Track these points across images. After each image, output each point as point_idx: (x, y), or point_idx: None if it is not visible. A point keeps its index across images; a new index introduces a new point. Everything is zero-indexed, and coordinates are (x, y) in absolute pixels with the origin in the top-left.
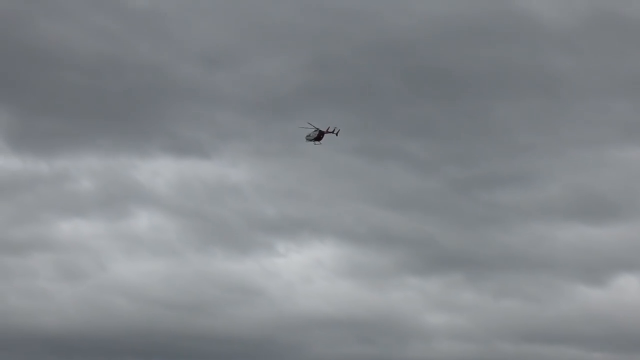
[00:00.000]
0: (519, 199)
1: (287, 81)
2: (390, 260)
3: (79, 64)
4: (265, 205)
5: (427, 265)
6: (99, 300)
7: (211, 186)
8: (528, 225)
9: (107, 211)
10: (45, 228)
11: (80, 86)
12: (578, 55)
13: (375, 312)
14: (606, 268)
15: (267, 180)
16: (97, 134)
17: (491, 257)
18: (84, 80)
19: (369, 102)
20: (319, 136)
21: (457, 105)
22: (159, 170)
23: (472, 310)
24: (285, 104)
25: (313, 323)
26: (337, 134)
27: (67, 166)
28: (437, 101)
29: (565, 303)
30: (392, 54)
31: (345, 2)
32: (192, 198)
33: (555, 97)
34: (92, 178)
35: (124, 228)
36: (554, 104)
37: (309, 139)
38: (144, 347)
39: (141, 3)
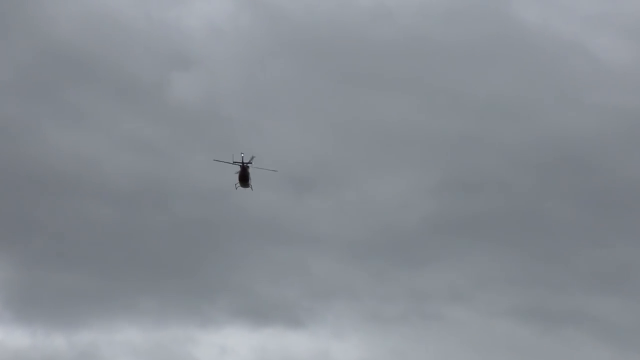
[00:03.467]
0: None
1: (410, 211)
2: None
3: (108, 192)
4: None
5: None
6: None
7: None
8: None
9: None
10: None
11: (110, 224)
12: None
13: None
14: None
15: (387, 357)
16: (137, 295)
17: None
18: (116, 215)
19: (533, 240)
20: (243, 174)
21: None
22: (229, 345)
23: None
24: (407, 244)
25: None
26: (251, 162)
27: (95, 341)
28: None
29: None
30: (562, 164)
31: (490, 95)
32: None
33: None
34: (133, 358)
35: None
36: None
37: (238, 186)
38: None
39: (193, 100)
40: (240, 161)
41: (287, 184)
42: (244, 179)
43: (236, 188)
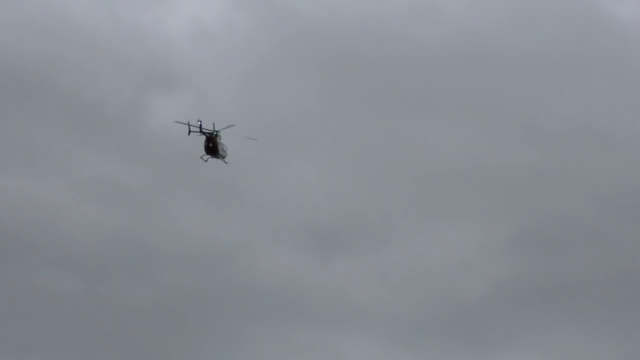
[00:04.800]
0: None
1: (474, 276)
2: None
3: (70, 257)
4: None
5: None
6: None
7: None
8: None
9: None
10: None
11: (73, 299)
12: None
13: None
14: None
15: None
16: None
17: None
18: (81, 288)
19: None
20: (208, 145)
21: None
22: None
23: None
24: (471, 320)
25: None
26: (217, 131)
27: None
28: None
29: None
30: None
31: (576, 119)
32: None
33: None
34: None
35: None
36: None
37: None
38: None
39: (179, 132)
40: (198, 129)
41: (310, 240)
42: (212, 150)
43: (206, 161)
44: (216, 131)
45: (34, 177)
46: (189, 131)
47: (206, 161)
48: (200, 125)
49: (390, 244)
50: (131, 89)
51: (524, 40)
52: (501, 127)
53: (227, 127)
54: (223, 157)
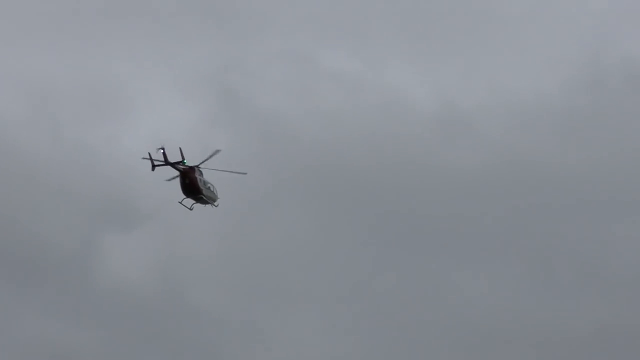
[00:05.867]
0: None
1: None
2: None
3: None
4: None
5: None
6: None
7: None
8: None
9: None
10: None
11: None
12: None
13: None
14: None
15: None
16: None
17: None
18: None
19: None
20: (184, 182)
21: None
22: None
23: None
24: None
25: None
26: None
27: None
28: None
29: None
30: None
31: None
32: None
33: None
34: None
35: None
36: None
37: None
38: None
39: (143, 282)
40: (163, 160)
41: None
42: (191, 189)
43: (190, 208)
44: (197, 166)
45: None
46: (153, 166)
47: (190, 208)
48: (164, 154)
49: None
50: (80, 227)
51: (578, 161)
52: (554, 273)
53: (210, 157)
54: (212, 200)
